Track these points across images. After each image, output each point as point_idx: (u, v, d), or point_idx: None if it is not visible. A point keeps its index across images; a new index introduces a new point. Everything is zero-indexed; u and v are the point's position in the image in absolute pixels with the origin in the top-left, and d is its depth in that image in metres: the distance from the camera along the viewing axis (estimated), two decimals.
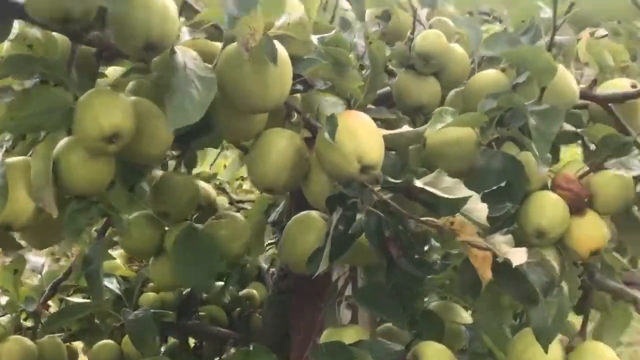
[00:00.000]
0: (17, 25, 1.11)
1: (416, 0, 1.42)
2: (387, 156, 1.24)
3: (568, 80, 1.37)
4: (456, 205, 1.13)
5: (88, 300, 1.71)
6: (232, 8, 0.82)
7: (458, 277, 1.28)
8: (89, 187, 1.06)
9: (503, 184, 1.22)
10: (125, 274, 1.85)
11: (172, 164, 1.41)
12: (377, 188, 1.18)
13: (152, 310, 1.65)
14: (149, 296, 1.84)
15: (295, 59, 1.16)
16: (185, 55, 1.06)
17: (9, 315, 1.64)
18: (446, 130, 1.27)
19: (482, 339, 1.37)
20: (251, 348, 1.44)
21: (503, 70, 1.40)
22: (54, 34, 1.13)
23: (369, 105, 1.40)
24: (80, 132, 1.03)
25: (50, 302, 1.77)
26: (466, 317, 1.52)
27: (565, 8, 1.33)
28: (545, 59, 1.25)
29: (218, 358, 1.98)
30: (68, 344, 1.76)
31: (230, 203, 1.96)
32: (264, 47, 1.05)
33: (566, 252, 1.30)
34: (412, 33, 1.43)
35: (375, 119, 1.20)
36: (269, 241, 1.90)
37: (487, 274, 1.13)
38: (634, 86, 1.43)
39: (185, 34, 1.06)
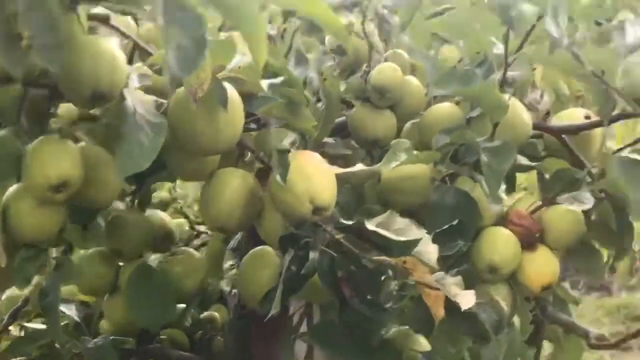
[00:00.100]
0: None
1: (373, 31, 1.43)
2: (342, 191, 1.25)
3: (520, 114, 1.38)
4: (408, 247, 1.14)
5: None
6: (175, 69, 0.82)
7: (412, 313, 1.29)
8: (38, 235, 1.06)
9: (455, 222, 1.24)
10: (85, 299, 1.84)
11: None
12: (329, 227, 1.19)
13: (111, 337, 1.64)
14: None
15: (248, 98, 1.16)
16: (136, 99, 1.05)
17: None
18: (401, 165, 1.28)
19: None
20: None
21: (457, 103, 1.42)
22: None
23: (326, 139, 1.41)
24: (28, 181, 1.03)
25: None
26: (425, 344, 1.53)
27: (517, 44, 1.34)
28: (496, 97, 1.26)
29: None
30: None
31: (191, 227, 1.96)
32: (214, 92, 1.06)
33: (518, 287, 1.31)
34: (368, 65, 1.44)
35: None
36: (230, 263, 1.90)
37: (439, 312, 1.15)
38: (587, 117, 1.44)
39: (135, 81, 1.06)
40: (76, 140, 1.11)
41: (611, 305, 5.66)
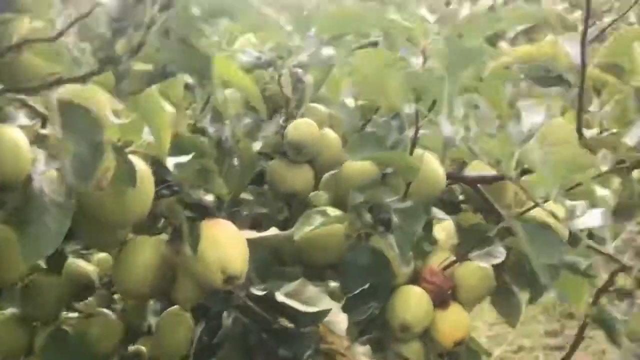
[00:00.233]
0: None
1: (287, 85, 1.43)
2: (257, 249, 1.27)
3: (434, 168, 1.39)
4: (317, 317, 1.16)
5: None
6: (71, 179, 0.82)
7: None
8: None
9: (368, 285, 1.26)
10: None
11: None
12: (242, 294, 1.20)
13: None
14: None
15: (160, 164, 1.16)
16: (43, 181, 1.05)
17: None
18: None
19: None
20: None
21: None
22: None
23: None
24: None
25: None
26: None
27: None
28: (407, 160, 1.28)
29: None
30: None
31: None
32: (122, 170, 1.06)
33: (431, 343, 1.34)
34: (285, 120, 1.45)
35: None
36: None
37: None
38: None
39: (42, 164, 1.05)
40: None
41: (547, 302, 5.74)
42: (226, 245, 1.17)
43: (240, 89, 1.30)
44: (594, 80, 1.30)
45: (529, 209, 1.27)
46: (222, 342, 1.19)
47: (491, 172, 1.46)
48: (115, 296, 1.41)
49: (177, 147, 1.18)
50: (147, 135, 1.13)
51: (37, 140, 1.11)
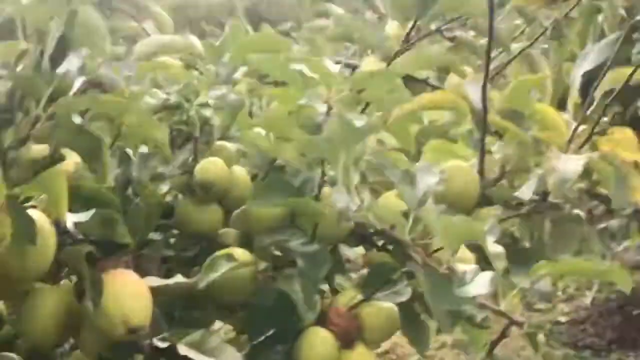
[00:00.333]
0: None
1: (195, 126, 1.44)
2: (163, 295, 1.27)
3: None
4: None
5: None
6: None
7: None
8: None
9: (274, 330, 1.28)
10: None
11: None
12: (146, 343, 1.21)
13: None
14: None
15: None
16: None
17: None
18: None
19: None
20: None
21: None
22: None
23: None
24: None
25: None
26: None
27: None
28: (312, 206, 1.30)
29: None
30: None
31: None
32: (21, 229, 1.06)
33: None
34: (194, 159, 1.45)
35: None
36: None
37: None
38: None
39: None
40: None
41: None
42: (128, 297, 1.18)
43: (146, 134, 1.30)
44: (495, 125, 1.33)
45: (435, 251, 1.29)
46: None
47: None
48: None
49: (79, 199, 1.18)
50: None
51: None
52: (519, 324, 1.10)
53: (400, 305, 1.37)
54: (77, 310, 1.22)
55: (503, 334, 1.16)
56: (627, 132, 1.31)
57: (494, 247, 1.08)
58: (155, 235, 1.43)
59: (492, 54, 1.85)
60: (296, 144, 1.21)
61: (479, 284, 1.06)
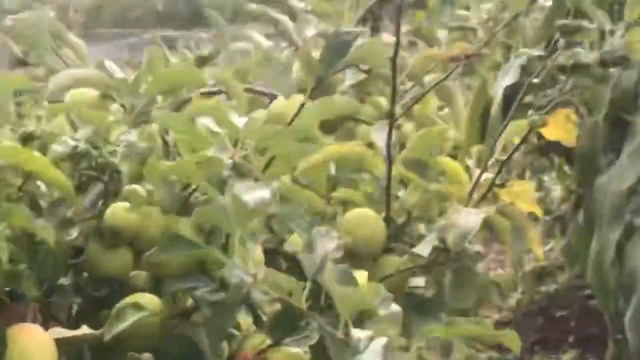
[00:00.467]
0: None
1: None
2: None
3: None
4: None
5: None
6: None
7: None
8: None
9: None
10: None
11: None
12: None
13: None
14: None
15: None
16: None
17: None
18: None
19: None
20: None
21: None
22: None
23: None
24: None
25: None
26: None
27: None
28: (219, 258, 1.31)
29: None
30: None
31: None
32: None
33: None
34: (104, 204, 1.45)
35: None
36: None
37: None
38: None
39: None
40: None
41: None
42: (33, 352, 1.18)
43: (50, 182, 1.31)
44: (400, 175, 1.36)
45: None
46: None
47: None
48: None
49: None
50: None
51: None
52: None
53: (311, 347, 1.39)
54: None
55: None
56: (526, 185, 1.35)
57: (389, 310, 1.11)
58: (64, 280, 1.44)
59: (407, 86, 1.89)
60: (194, 214, 1.22)
61: (373, 352, 1.08)
